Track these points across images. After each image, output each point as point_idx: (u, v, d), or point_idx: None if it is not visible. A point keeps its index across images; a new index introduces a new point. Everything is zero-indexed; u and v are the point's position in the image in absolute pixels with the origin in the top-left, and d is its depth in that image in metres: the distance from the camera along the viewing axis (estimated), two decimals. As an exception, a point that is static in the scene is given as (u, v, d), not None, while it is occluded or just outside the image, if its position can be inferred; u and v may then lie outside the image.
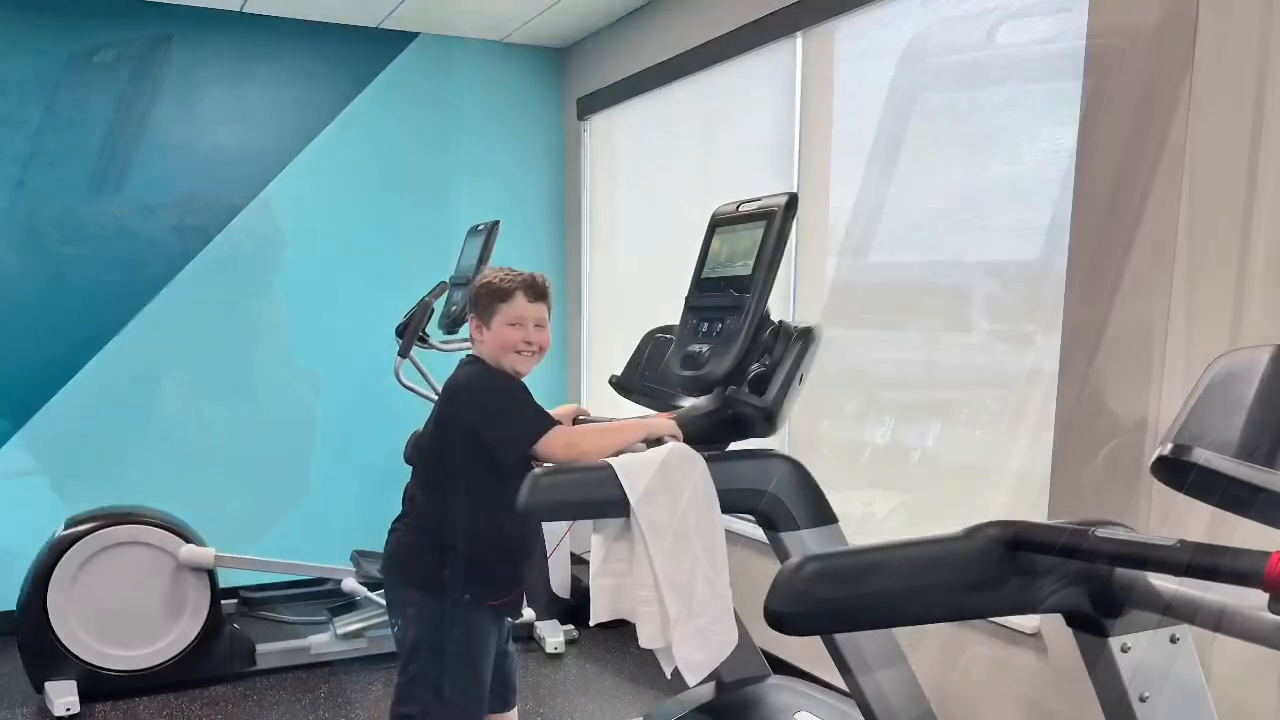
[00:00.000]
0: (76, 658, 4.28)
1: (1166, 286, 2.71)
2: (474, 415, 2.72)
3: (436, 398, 2.95)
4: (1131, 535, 1.42)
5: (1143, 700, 1.67)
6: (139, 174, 5.28)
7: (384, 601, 4.54)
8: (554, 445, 2.65)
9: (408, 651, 2.81)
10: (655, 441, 2.63)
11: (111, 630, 4.34)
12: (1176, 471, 1.25)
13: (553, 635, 4.97)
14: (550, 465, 2.51)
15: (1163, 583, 1.53)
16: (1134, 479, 2.77)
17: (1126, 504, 2.78)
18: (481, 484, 2.72)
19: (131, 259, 5.30)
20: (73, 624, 4.28)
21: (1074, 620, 1.69)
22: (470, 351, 2.93)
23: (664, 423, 2.69)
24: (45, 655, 4.27)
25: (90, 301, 5.25)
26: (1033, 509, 3.17)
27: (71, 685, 4.25)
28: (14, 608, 4.40)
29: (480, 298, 2.84)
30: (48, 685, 4.26)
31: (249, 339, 5.55)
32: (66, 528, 4.34)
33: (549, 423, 2.70)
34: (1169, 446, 1.24)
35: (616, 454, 2.55)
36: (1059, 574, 1.59)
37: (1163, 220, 2.72)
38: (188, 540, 4.45)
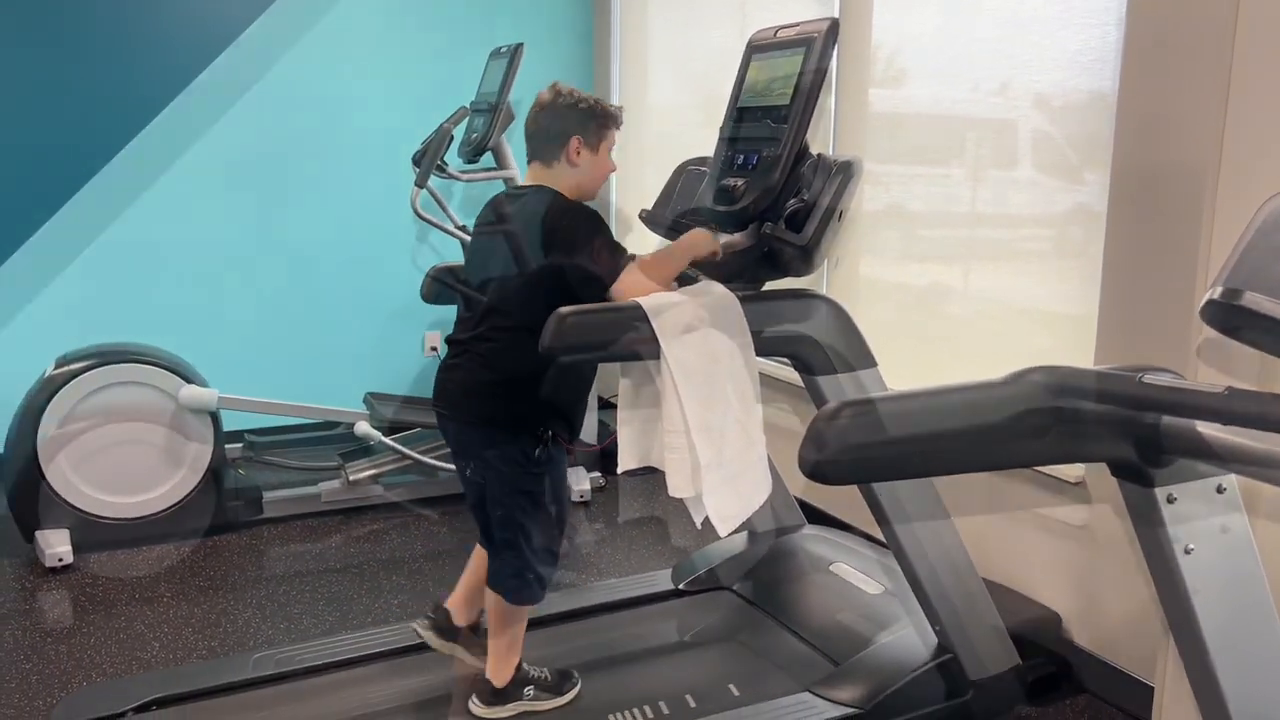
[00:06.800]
0: (69, 505, 4.34)
1: (1219, 121, 2.74)
2: (567, 248, 2.71)
3: (484, 228, 2.95)
4: (1179, 382, 1.51)
5: (1188, 552, 1.77)
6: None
7: (399, 447, 4.74)
8: (629, 288, 2.65)
9: (497, 495, 2.88)
10: (687, 281, 2.72)
11: (107, 476, 4.40)
12: (1227, 315, 1.30)
13: (579, 483, 5.09)
14: (579, 305, 2.54)
15: (1211, 431, 1.60)
16: (1184, 323, 2.84)
17: (1175, 350, 2.85)
18: None
19: (131, 77, 5.28)
20: (65, 469, 4.34)
21: (1119, 469, 1.79)
22: (513, 183, 2.87)
23: (705, 238, 2.78)
24: (36, 502, 4.30)
25: (85, 122, 5.24)
26: (1079, 354, 3.25)
27: (64, 534, 4.32)
28: (1, 452, 4.51)
29: (591, 118, 2.84)
30: (38, 534, 4.31)
31: (253, 165, 5.55)
32: (57, 367, 4.41)
33: (626, 262, 2.71)
34: (1219, 289, 1.29)
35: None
36: (1105, 421, 1.67)
37: (1216, 51, 2.73)
38: (188, 380, 4.52)
